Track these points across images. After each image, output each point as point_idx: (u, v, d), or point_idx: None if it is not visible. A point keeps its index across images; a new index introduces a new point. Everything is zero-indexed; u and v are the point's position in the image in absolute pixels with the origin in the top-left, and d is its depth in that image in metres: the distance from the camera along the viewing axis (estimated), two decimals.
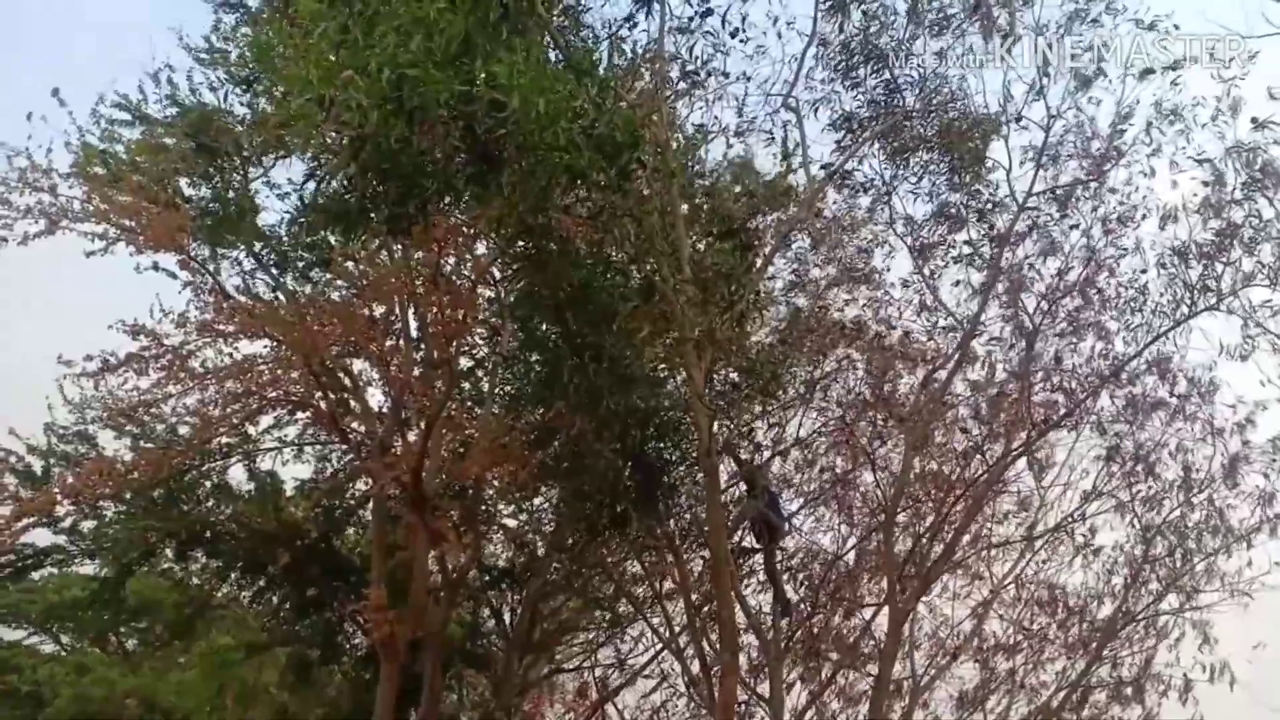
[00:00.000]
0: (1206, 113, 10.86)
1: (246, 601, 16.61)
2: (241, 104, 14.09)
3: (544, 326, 10.96)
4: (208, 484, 15.61)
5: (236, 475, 16.08)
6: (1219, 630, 11.61)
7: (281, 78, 7.87)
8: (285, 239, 14.30)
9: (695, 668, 12.47)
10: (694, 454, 11.28)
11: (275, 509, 15.91)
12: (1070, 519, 12.21)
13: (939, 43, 11.10)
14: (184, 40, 13.63)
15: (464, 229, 10.85)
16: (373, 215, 9.20)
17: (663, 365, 11.04)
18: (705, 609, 12.83)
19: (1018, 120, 11.18)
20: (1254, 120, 10.73)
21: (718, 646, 11.07)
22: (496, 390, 13.52)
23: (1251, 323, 10.99)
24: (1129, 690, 11.99)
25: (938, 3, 11.01)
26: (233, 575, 16.09)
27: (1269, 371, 11.27)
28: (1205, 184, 10.74)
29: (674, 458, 11.14)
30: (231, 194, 14.16)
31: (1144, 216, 11.25)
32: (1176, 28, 10.29)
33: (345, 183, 9.13)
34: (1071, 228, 11.81)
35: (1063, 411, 11.58)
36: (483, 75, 8.35)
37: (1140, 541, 12.00)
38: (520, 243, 9.63)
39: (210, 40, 13.50)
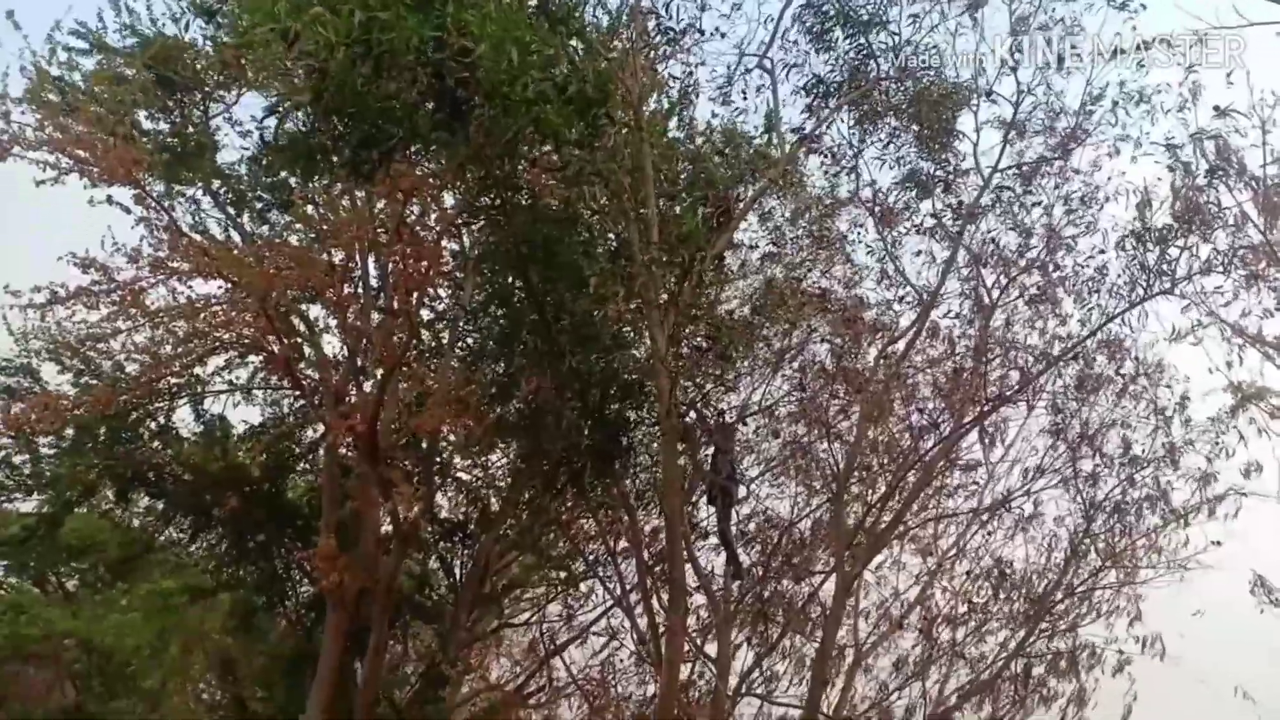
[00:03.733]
0: (1171, 98, 11.22)
1: (190, 545, 16.67)
2: (204, 36, 14.04)
3: (508, 281, 11.11)
4: (153, 424, 15.64)
5: (183, 417, 16.20)
6: (1153, 605, 12.25)
7: (246, 5, 7.88)
8: (244, 178, 14.27)
9: (644, 625, 12.86)
10: (654, 416, 11.58)
11: (222, 453, 16.01)
12: (1015, 494, 12.71)
13: (915, 8, 11.31)
14: None
15: (430, 179, 10.91)
16: (334, 158, 9.29)
17: (627, 327, 11.25)
18: (657, 568, 13.17)
19: (988, 95, 11.47)
20: (1216, 108, 11.14)
21: (667, 606, 11.45)
22: (457, 344, 13.62)
23: (1203, 308, 11.46)
24: (1063, 663, 12.58)
25: None
26: (176, 518, 16.17)
27: (1216, 357, 11.83)
28: (1170, 169, 11.13)
29: (634, 419, 11.40)
30: (190, 129, 14.08)
31: (1106, 199, 11.64)
32: (1144, 7, 10.60)
33: (306, 123, 9.19)
34: (1034, 205, 12.14)
35: (1015, 387, 11.99)
36: (452, 21, 8.44)
37: (1083, 517, 12.56)
38: (486, 196, 9.73)
39: None
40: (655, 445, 12.09)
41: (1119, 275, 11.49)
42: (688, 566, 11.31)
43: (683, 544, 11.13)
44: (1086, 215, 11.75)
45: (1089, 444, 12.30)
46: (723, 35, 10.86)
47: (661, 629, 11.88)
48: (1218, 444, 11.97)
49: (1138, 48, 10.92)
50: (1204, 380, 11.91)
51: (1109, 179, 11.66)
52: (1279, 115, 11.14)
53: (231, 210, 14.41)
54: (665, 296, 10.05)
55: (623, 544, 14.38)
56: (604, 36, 11.23)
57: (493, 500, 16.76)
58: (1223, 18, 5.82)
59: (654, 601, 12.25)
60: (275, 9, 7.36)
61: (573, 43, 9.90)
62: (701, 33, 10.70)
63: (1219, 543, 11.88)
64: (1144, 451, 12.17)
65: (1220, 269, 11.01)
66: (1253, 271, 11.04)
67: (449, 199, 12.01)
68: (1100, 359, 12.03)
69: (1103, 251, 11.71)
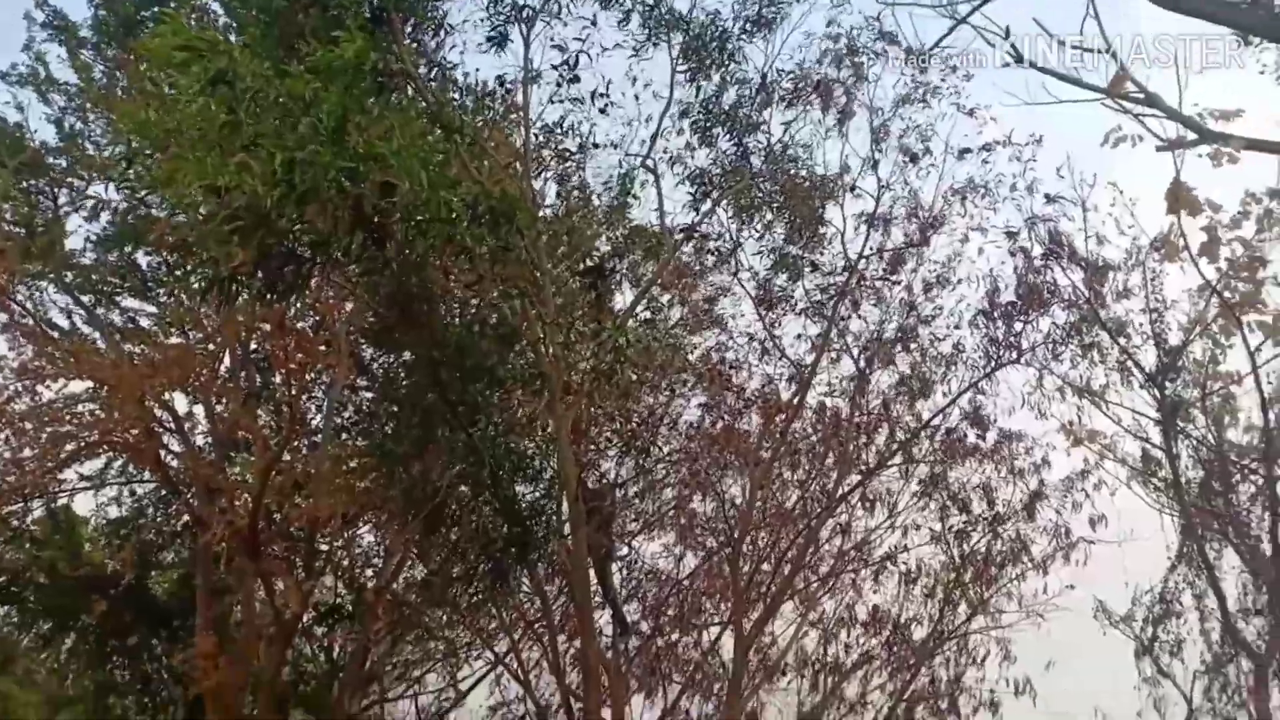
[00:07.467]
0: (1008, 188, 13.11)
1: (54, 654, 16.16)
2: (50, 120, 13.94)
3: (407, 381, 11.69)
4: (4, 529, 15.16)
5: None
6: (1018, 648, 14.02)
7: (169, 165, 8.25)
8: (100, 265, 14.22)
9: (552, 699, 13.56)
10: (554, 494, 12.39)
11: (76, 550, 15.69)
12: (896, 550, 14.21)
13: (787, 114, 12.66)
14: None
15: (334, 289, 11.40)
16: (246, 282, 9.67)
17: (527, 414, 12.00)
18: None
19: (852, 189, 12.96)
20: (1046, 196, 13.13)
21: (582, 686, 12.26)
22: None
23: (1045, 373, 13.36)
24: (944, 704, 14.15)
25: (787, 76, 12.51)
26: (37, 625, 15.70)
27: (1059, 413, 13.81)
28: (1011, 253, 13.00)
29: (539, 500, 12.16)
30: (39, 220, 13.90)
31: (960, 281, 13.38)
32: (994, 120, 12.44)
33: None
34: (895, 283, 13.72)
35: (889, 454, 13.51)
36: (363, 149, 9.02)
37: (952, 569, 14.19)
38: (398, 307, 10.30)
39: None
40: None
41: (974, 350, 13.26)
42: None
43: (592, 622, 11.94)
44: (942, 296, 13.46)
45: (955, 502, 13.98)
46: (614, 145, 11.83)
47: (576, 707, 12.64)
48: (1066, 497, 13.93)
49: (983, 149, 12.76)
50: (1051, 439, 13.89)
51: (960, 262, 13.42)
52: (1097, 197, 13.34)
53: (78, 295, 14.34)
54: (572, 392, 10.89)
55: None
56: (497, 135, 12.04)
57: (373, 583, 17.03)
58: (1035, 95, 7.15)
59: (563, 678, 13.00)
60: (206, 165, 7.78)
61: (467, 152, 10.67)
62: (596, 146, 11.68)
63: (1072, 586, 13.81)
64: (1005, 508, 13.96)
65: (1059, 341, 12.95)
66: (1088, 341, 13.05)
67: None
68: (963, 425, 13.73)
69: (958, 327, 13.49)
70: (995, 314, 13.00)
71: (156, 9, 11.41)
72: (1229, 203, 10.69)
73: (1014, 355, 13.08)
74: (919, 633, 14.20)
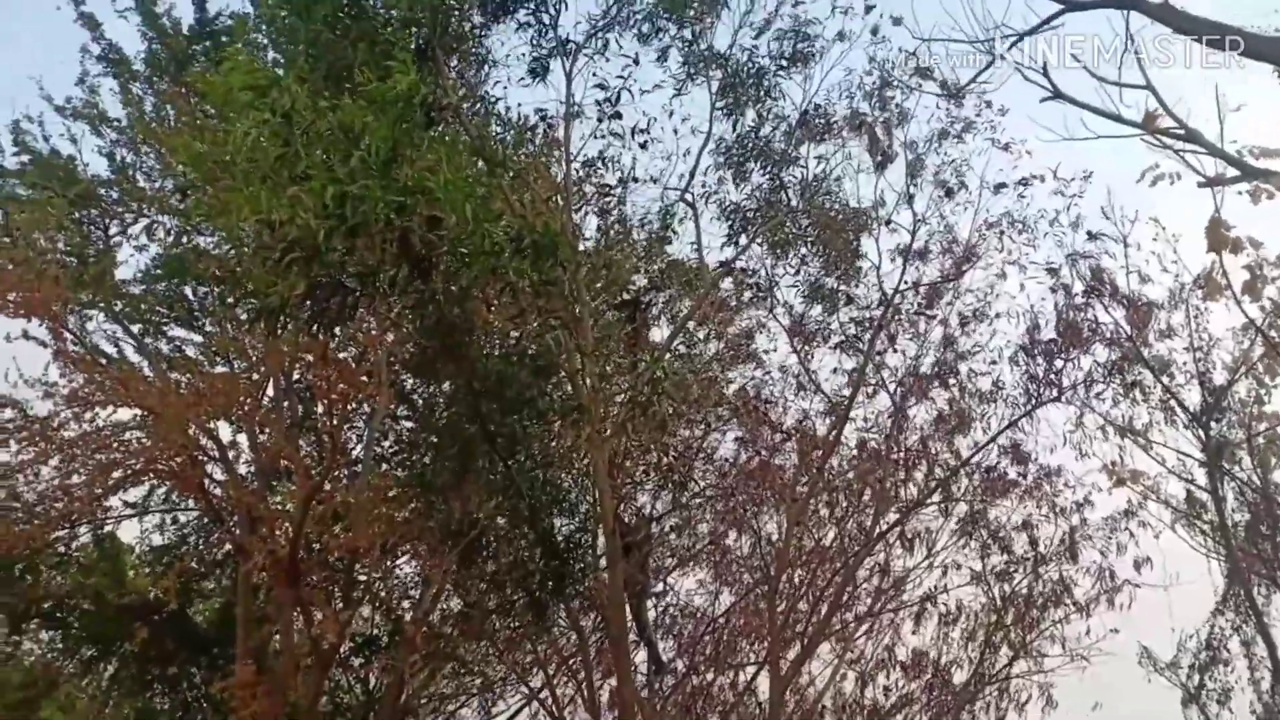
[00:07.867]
0: (1049, 222, 13.08)
1: (84, 679, 16.32)
2: (101, 152, 14.38)
3: (447, 412, 11.80)
4: (52, 555, 15.41)
5: (83, 544, 16.01)
6: (1061, 692, 13.74)
7: (222, 197, 8.47)
8: (149, 295, 14.55)
9: None
10: (590, 528, 12.41)
11: (120, 577, 15.91)
12: (935, 590, 14.04)
13: (822, 148, 12.76)
14: (44, 91, 13.89)
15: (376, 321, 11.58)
16: (294, 313, 9.86)
17: (564, 446, 12.04)
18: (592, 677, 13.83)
19: (888, 224, 13.01)
20: (1089, 233, 13.07)
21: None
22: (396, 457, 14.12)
23: (1086, 411, 13.23)
24: None
25: (822, 111, 12.62)
26: (80, 651, 15.89)
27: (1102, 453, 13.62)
28: (1051, 290, 12.96)
29: (576, 534, 12.18)
30: (91, 251, 14.29)
31: (998, 315, 13.35)
32: (1030, 154, 12.43)
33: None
34: (931, 318, 13.69)
35: (928, 491, 13.40)
36: (412, 183, 9.22)
37: (993, 610, 13.99)
38: (439, 339, 10.44)
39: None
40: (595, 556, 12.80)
41: (1014, 387, 13.19)
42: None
43: (628, 660, 11.89)
44: (979, 331, 13.43)
45: (996, 541, 13.81)
46: (654, 180, 12.00)
47: None
48: (1110, 538, 13.72)
49: (1021, 182, 12.76)
50: (1092, 478, 13.69)
51: (998, 296, 13.40)
52: (1139, 233, 13.28)
53: (127, 324, 14.67)
54: (609, 426, 10.92)
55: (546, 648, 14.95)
56: (537, 168, 12.24)
57: (409, 614, 17.09)
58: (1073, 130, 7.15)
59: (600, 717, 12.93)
60: (260, 199, 7.98)
61: (506, 182, 10.85)
62: (636, 180, 11.84)
63: (1116, 630, 13.56)
64: (1046, 547, 13.77)
65: (1100, 380, 12.83)
66: (1130, 379, 12.91)
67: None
68: (1003, 463, 13.61)
69: (995, 362, 13.42)
70: (1035, 351, 12.94)
71: (208, 43, 11.80)
72: (1274, 241, 10.59)
73: (1054, 393, 12.98)
74: (959, 676, 13.99)
